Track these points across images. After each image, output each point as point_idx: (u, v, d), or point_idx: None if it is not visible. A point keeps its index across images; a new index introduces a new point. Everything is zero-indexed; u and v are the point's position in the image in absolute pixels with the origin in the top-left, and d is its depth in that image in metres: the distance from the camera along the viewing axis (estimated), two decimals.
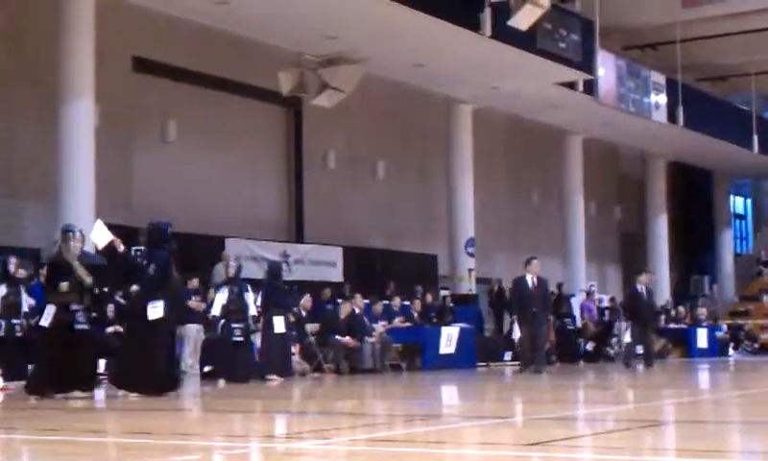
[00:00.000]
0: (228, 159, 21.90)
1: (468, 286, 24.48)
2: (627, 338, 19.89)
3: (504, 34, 20.39)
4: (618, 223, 33.74)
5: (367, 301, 20.14)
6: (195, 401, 11.69)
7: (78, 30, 17.21)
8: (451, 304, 22.54)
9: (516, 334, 17.71)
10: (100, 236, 12.02)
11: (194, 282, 17.67)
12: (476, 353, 21.50)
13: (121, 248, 12.00)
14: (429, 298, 22.20)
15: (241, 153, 22.20)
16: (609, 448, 6.99)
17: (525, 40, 21.07)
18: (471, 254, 24.57)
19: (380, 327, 19.68)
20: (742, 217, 40.70)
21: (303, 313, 18.53)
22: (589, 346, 24.88)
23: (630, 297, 20.94)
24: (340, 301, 19.77)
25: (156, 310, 11.95)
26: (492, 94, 24.49)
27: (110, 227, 12.36)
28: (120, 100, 19.46)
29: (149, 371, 11.94)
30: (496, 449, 6.92)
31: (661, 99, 27.89)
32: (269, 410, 11.17)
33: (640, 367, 19.98)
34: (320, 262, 22.36)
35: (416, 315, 21.14)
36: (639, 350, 20.20)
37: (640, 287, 20.57)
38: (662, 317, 28.92)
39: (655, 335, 22.33)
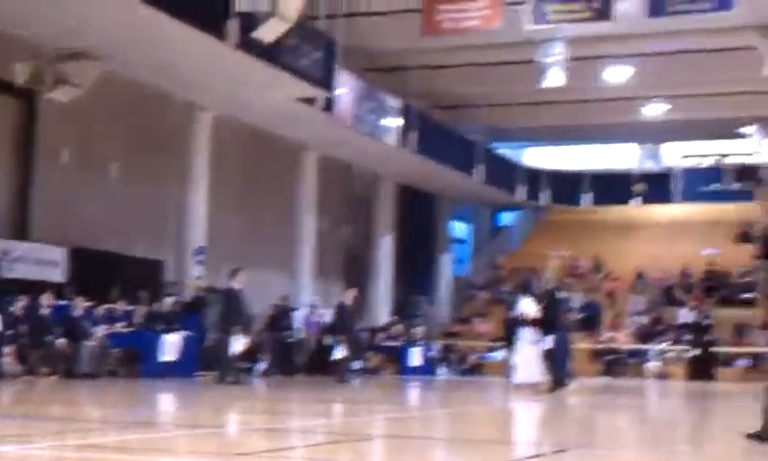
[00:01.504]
0: None
1: (195, 294, 24.41)
2: (340, 353, 20.50)
3: (249, 44, 20.56)
4: (346, 241, 34.52)
5: (90, 303, 19.77)
6: None
7: None
8: (178, 311, 22.45)
9: (238, 345, 17.91)
10: None
11: None
12: (198, 362, 21.55)
13: None
14: (155, 304, 22.05)
15: None
16: (315, 459, 7.30)
17: (269, 53, 21.31)
18: (201, 263, 24.57)
19: (101, 330, 19.38)
20: (462, 242, 42.52)
21: (18, 313, 17.96)
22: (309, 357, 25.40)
23: (339, 311, 21.63)
24: (63, 302, 19.30)
25: None
26: (234, 104, 24.58)
27: None
28: None
29: None
30: (204, 458, 7.10)
31: (396, 123, 28.84)
32: None
33: (356, 382, 20.65)
34: (42, 262, 21.67)
35: (139, 320, 20.94)
36: (356, 364, 20.89)
37: (348, 302, 21.37)
38: (381, 334, 29.96)
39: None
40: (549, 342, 18.52)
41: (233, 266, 19.94)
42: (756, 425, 8.52)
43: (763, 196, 9.04)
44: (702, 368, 28.69)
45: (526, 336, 18.54)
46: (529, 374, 18.56)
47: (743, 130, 8.78)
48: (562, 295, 20.47)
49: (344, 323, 21.10)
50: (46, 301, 18.54)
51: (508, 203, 39.88)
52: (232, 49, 20.48)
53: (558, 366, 18.77)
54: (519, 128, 39.10)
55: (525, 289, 19.70)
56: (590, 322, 33.19)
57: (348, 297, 21.67)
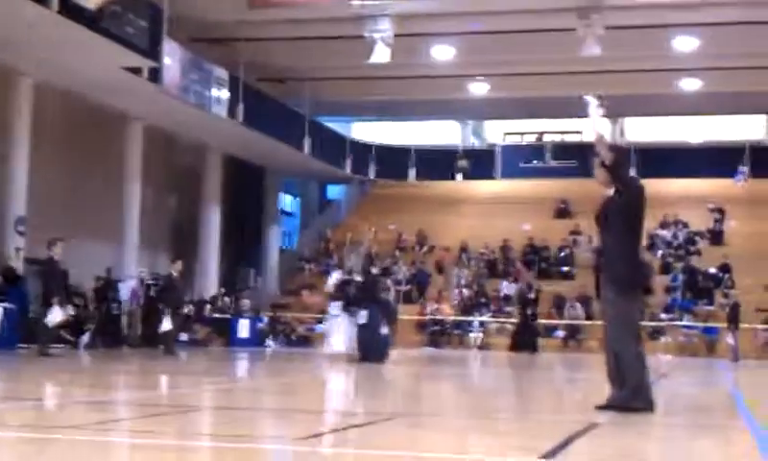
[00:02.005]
0: None
1: (16, 266, 23.75)
2: (167, 325, 20.39)
3: (71, 10, 20.08)
4: (173, 211, 34.14)
5: None
6: None
7: None
8: None
9: (56, 316, 17.70)
10: None
11: None
12: (20, 334, 21.04)
13: None
14: None
15: None
16: (140, 431, 7.32)
17: (92, 20, 20.86)
18: (21, 233, 23.89)
19: None
20: (290, 214, 42.66)
21: None
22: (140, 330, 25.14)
23: (165, 282, 21.54)
24: None
25: None
26: (56, 70, 23.94)
27: None
28: None
29: None
30: (28, 431, 7.03)
31: (223, 94, 28.67)
32: None
33: (183, 354, 20.57)
34: None
35: None
36: (184, 336, 20.83)
37: (175, 273, 21.27)
38: (208, 306, 29.83)
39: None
40: (363, 316, 18.89)
41: (53, 236, 19.49)
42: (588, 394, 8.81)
43: (598, 169, 9.34)
44: (524, 339, 29.71)
45: (334, 309, 19.01)
46: (338, 344, 18.99)
47: (586, 97, 9.17)
48: (375, 269, 20.92)
49: (170, 294, 20.98)
50: None
51: (335, 176, 40.21)
52: (54, 13, 19.97)
53: (373, 339, 19.07)
54: (347, 102, 39.38)
55: (340, 264, 20.15)
56: (418, 293, 33.94)
57: (175, 268, 21.52)
